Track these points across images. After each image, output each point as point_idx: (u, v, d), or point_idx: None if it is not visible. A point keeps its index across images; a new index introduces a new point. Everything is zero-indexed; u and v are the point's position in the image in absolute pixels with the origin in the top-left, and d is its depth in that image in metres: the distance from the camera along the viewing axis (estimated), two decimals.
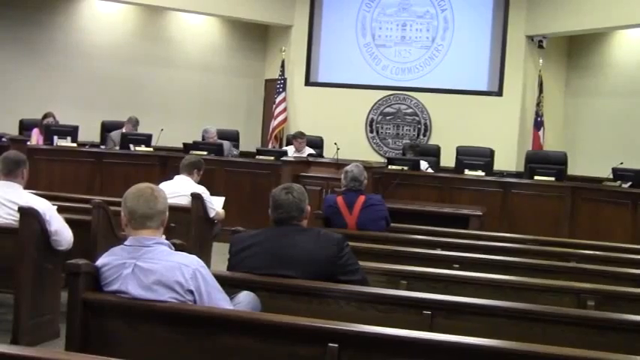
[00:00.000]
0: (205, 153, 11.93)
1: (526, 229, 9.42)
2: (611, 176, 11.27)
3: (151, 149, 12.14)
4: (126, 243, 3.79)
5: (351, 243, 5.03)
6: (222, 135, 13.11)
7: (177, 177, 8.39)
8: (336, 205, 6.99)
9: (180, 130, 13.88)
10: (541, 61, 14.76)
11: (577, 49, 15.23)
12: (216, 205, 8.46)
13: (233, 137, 13.54)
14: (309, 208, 4.71)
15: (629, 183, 10.78)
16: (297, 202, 4.57)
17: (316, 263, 4.42)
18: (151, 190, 3.84)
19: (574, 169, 12.83)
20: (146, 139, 12.24)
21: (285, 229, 4.53)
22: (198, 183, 8.49)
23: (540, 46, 14.87)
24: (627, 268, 6.03)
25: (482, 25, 15.14)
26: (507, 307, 4.19)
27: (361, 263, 4.80)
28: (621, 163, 11.40)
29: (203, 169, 8.71)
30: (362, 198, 6.99)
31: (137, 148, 12.01)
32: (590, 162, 13.54)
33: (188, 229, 7.74)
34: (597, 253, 6.87)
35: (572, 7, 14.03)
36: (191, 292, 3.66)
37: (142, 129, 12.83)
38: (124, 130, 12.64)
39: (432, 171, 12.31)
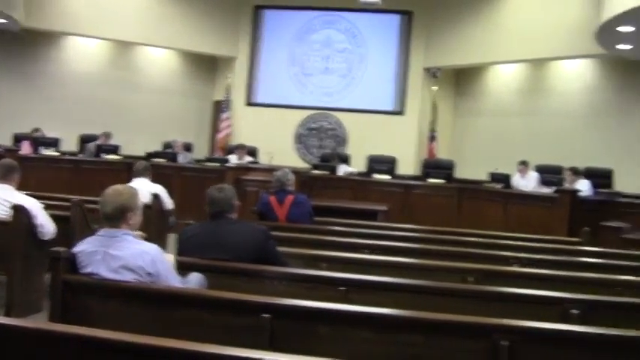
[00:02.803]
0: (164, 160, 11.94)
1: (423, 221, 9.48)
2: (488, 179, 11.46)
3: (119, 157, 12.04)
4: (99, 233, 3.72)
5: (281, 233, 5.03)
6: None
7: (137, 179, 8.20)
8: (270, 203, 6.97)
9: (144, 141, 13.79)
10: (435, 88, 14.95)
11: (463, 79, 15.47)
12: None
13: (188, 148, 13.46)
14: (238, 203, 4.74)
15: (502, 184, 11.00)
16: (228, 199, 4.60)
17: (246, 249, 4.42)
18: (114, 193, 3.76)
19: (460, 173, 13.00)
20: (115, 149, 12.21)
21: (221, 221, 4.53)
22: (156, 182, 8.43)
23: (435, 76, 15.08)
24: (500, 251, 6.10)
25: (389, 59, 15.31)
26: (407, 284, 4.21)
27: (289, 250, 4.83)
28: (496, 169, 11.61)
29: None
30: (291, 197, 6.96)
31: (108, 157, 11.95)
32: (472, 168, 13.75)
33: (149, 222, 7.65)
34: (477, 239, 6.96)
35: (459, 46, 14.30)
36: (150, 274, 3.61)
37: (112, 141, 12.79)
38: (99, 142, 12.60)
39: (346, 173, 12.32)
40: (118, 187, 3.84)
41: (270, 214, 6.95)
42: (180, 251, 4.48)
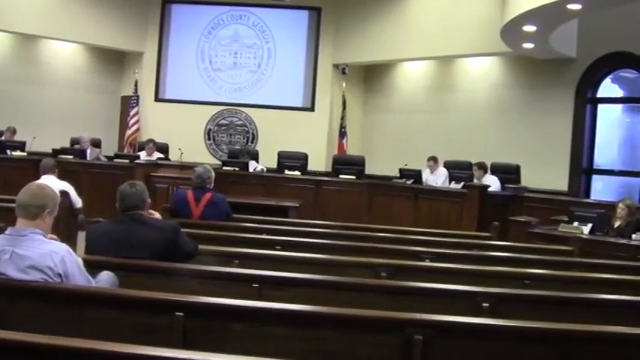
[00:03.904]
0: (71, 157, 11.70)
1: (334, 217, 9.56)
2: (398, 175, 11.61)
3: (25, 154, 11.64)
4: (6, 232, 3.60)
5: (194, 231, 4.98)
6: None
7: (44, 177, 8.01)
8: (186, 199, 6.91)
9: (51, 137, 13.32)
10: (344, 84, 15.07)
11: (371, 76, 15.64)
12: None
13: (97, 144, 13.17)
14: (149, 200, 4.76)
15: (412, 180, 11.16)
16: (140, 194, 4.62)
17: (157, 246, 4.41)
18: (38, 188, 3.71)
19: (370, 169, 13.14)
20: (21, 145, 11.79)
21: (130, 218, 4.51)
22: (63, 179, 8.26)
23: (344, 73, 15.19)
24: (412, 246, 6.21)
25: (298, 55, 15.34)
26: (320, 280, 4.24)
27: (201, 247, 4.79)
28: (406, 165, 11.78)
29: None
30: (208, 195, 6.93)
31: (13, 153, 11.53)
32: (382, 164, 13.92)
33: (57, 220, 7.47)
34: (389, 235, 7.05)
35: (368, 43, 14.46)
36: (60, 275, 3.52)
37: (17, 137, 12.39)
38: (2, 138, 12.17)
39: (256, 170, 12.29)
40: (42, 184, 3.78)
41: (185, 210, 6.88)
42: (90, 250, 4.40)
